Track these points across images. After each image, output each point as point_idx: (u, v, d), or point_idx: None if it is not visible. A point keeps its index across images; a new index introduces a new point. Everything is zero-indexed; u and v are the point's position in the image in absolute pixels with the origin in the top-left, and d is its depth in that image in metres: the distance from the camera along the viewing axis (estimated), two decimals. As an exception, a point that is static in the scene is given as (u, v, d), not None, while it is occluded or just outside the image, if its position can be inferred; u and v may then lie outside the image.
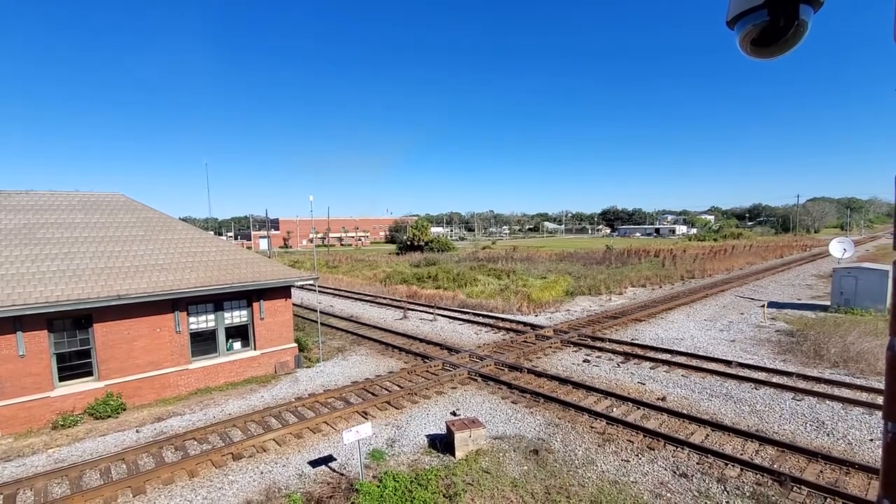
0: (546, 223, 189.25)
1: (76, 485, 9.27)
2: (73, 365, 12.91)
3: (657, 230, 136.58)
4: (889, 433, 1.05)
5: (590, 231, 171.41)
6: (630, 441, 10.46)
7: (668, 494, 8.51)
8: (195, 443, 11.02)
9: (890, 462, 1.04)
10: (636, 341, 18.73)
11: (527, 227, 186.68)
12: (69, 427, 12.06)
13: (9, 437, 11.69)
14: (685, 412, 11.74)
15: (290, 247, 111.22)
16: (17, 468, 10.15)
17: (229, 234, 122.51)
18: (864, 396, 12.43)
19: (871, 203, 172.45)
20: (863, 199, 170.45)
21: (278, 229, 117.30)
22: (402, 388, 14.07)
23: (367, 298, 32.49)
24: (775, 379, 13.95)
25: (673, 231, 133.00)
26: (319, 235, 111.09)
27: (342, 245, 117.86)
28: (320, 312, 20.92)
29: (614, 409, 12.17)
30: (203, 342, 14.93)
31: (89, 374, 13.05)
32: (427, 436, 10.97)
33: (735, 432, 10.66)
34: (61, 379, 12.68)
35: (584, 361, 16.46)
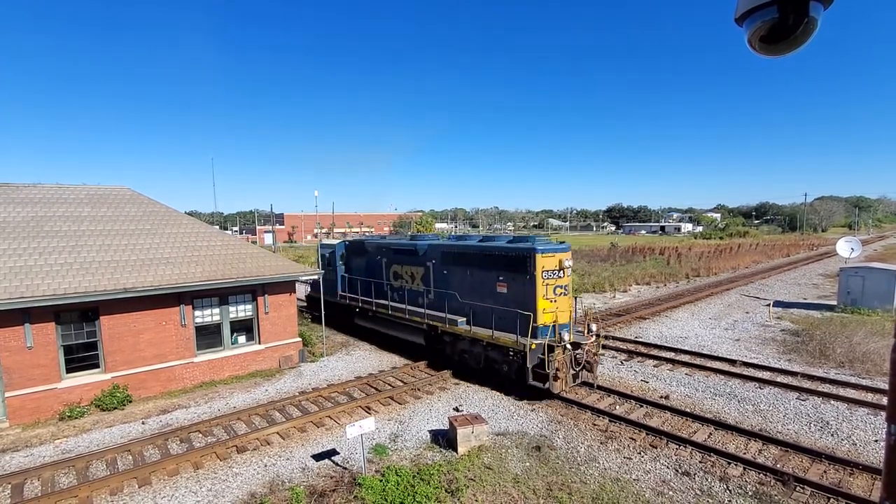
0: (551, 220, 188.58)
1: (83, 475, 9.38)
2: (80, 357, 13.03)
3: (663, 228, 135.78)
4: (892, 435, 1.05)
5: (594, 228, 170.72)
6: (632, 439, 10.45)
7: (671, 493, 8.51)
8: (200, 435, 11.12)
9: (892, 464, 1.04)
10: (640, 339, 18.69)
11: (531, 223, 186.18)
12: (76, 418, 12.20)
13: (17, 427, 11.84)
14: (688, 410, 11.72)
15: (295, 241, 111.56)
16: (24, 458, 10.29)
17: (234, 228, 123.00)
18: (869, 397, 12.36)
19: (879, 202, 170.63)
20: (871, 197, 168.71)
21: (283, 224, 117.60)
22: (405, 383, 14.12)
23: (371, 294, 32.51)
24: (780, 378, 13.88)
25: (678, 229, 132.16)
26: (324, 230, 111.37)
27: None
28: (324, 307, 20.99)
29: (617, 407, 12.16)
30: (208, 336, 15.02)
31: (96, 366, 13.18)
32: (430, 431, 11.01)
33: (738, 431, 10.63)
34: (68, 371, 12.81)
35: (587, 359, 16.41)
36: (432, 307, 15.61)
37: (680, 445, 10.06)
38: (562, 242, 13.26)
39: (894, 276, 22.30)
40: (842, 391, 12.78)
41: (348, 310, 20.07)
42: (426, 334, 15.71)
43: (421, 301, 16.27)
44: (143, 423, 11.96)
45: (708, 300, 27.20)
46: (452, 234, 18.61)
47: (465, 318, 14.28)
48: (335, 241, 21.70)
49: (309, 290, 24.20)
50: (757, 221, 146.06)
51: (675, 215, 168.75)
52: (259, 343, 15.86)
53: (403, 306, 16.51)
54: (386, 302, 17.51)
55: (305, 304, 24.81)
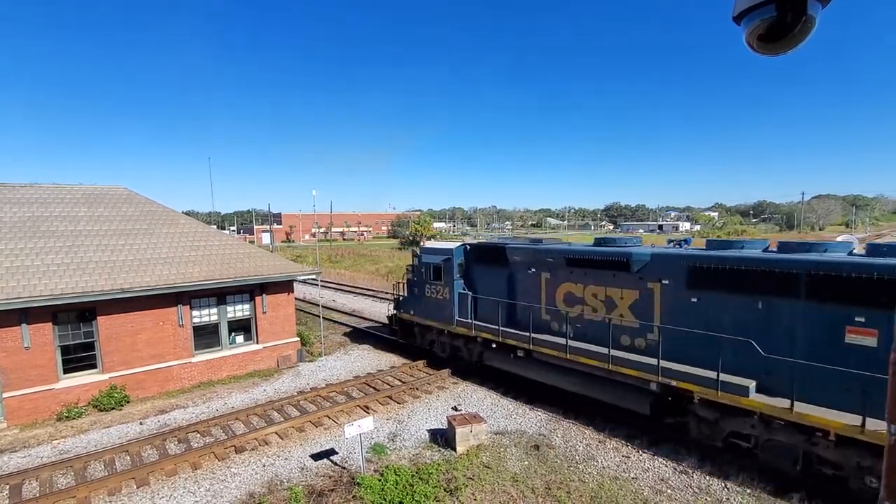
0: (549, 219, 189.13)
1: (81, 476, 9.36)
2: (78, 357, 13.00)
3: (660, 227, 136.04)
4: (892, 435, 1.04)
5: (592, 227, 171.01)
6: (631, 437, 10.47)
7: (669, 491, 8.53)
8: (198, 435, 11.10)
9: (892, 464, 1.03)
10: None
11: (529, 222, 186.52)
12: (74, 419, 12.16)
13: (14, 427, 11.80)
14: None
15: (293, 241, 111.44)
16: (22, 459, 10.26)
17: (232, 228, 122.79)
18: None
19: (877, 200, 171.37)
20: (869, 196, 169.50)
21: (281, 224, 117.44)
22: (403, 382, 14.11)
23: (370, 293, 32.54)
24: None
25: (676, 228, 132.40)
26: (322, 230, 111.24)
27: (344, 240, 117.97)
28: (322, 307, 20.98)
29: (615, 406, 12.13)
30: (206, 336, 14.99)
31: (93, 366, 13.14)
32: (428, 430, 11.02)
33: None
34: (66, 371, 12.77)
35: (585, 358, 16.32)
36: (665, 354, 9.73)
37: (678, 443, 10.07)
38: None
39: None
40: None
41: (470, 343, 14.38)
42: (656, 398, 10.00)
43: (631, 343, 10.81)
44: (140, 423, 11.93)
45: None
46: (687, 237, 12.57)
47: (754, 382, 8.64)
48: (451, 245, 15.57)
49: (393, 309, 17.80)
50: (754, 220, 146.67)
51: (673, 214, 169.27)
52: (257, 343, 15.84)
53: (602, 350, 10.68)
54: (560, 340, 11.64)
55: (387, 324, 18.82)
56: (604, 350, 10.64)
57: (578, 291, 11.94)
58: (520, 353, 12.70)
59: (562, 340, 11.57)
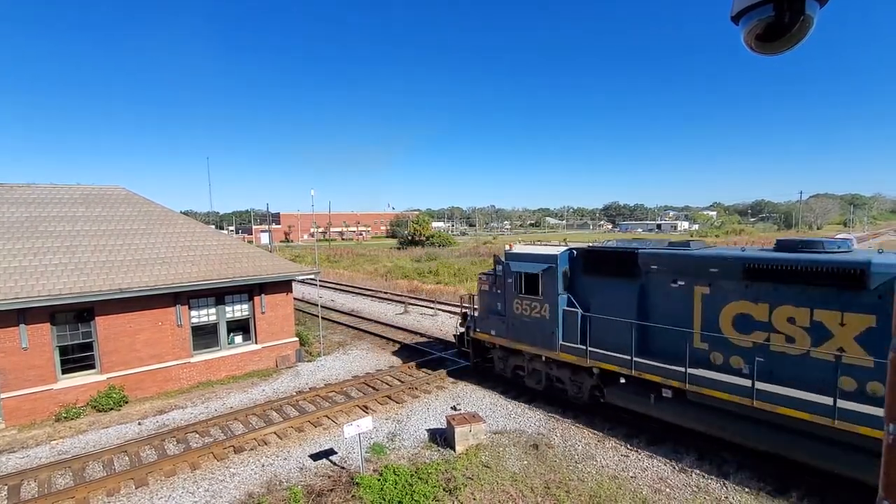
0: (548, 218, 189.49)
1: (79, 476, 9.34)
2: (76, 358, 12.98)
3: (659, 226, 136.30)
4: (891, 435, 1.05)
5: (591, 226, 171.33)
6: (629, 436, 10.48)
7: (668, 489, 8.55)
8: (197, 435, 11.09)
9: (890, 463, 1.04)
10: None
11: (528, 222, 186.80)
12: (72, 419, 12.14)
13: (13, 428, 11.78)
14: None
15: (292, 241, 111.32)
16: (21, 459, 10.24)
17: (230, 228, 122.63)
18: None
19: (874, 199, 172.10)
20: (866, 195, 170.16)
21: (279, 223, 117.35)
22: (402, 382, 14.11)
23: (368, 293, 32.53)
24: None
25: (675, 227, 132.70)
26: (321, 230, 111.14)
27: (343, 239, 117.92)
28: (321, 307, 20.96)
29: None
30: (205, 336, 14.97)
31: (92, 367, 13.12)
32: (427, 430, 11.02)
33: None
34: (64, 371, 12.75)
35: (584, 357, 16.29)
36: None
37: (677, 443, 10.08)
38: None
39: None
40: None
41: (579, 374, 11.60)
42: None
43: (860, 388, 7.67)
44: (139, 423, 11.92)
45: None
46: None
47: None
48: (552, 250, 12.22)
49: (461, 327, 15.28)
50: (753, 219, 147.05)
51: (672, 213, 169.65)
52: (256, 343, 15.82)
53: (812, 398, 7.85)
54: (732, 379, 8.88)
55: (455, 342, 15.93)
56: (817, 398, 7.79)
57: (760, 314, 8.83)
58: (665, 393, 9.84)
59: (737, 380, 8.79)
